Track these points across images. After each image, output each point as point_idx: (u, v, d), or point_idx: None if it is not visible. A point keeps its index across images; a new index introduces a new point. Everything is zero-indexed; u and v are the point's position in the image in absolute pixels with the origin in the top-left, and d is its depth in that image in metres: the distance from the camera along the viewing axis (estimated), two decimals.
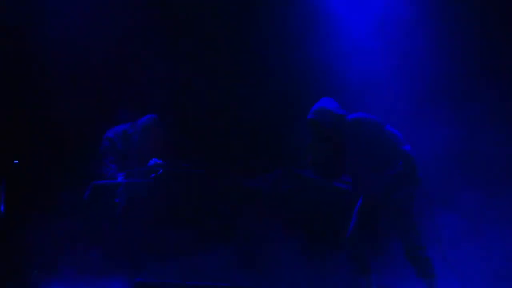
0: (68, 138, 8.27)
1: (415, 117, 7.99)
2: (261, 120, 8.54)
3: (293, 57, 8.48)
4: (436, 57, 8.14)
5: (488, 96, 8.02)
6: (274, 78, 8.54)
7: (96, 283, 7.12)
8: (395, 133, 6.25)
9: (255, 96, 8.55)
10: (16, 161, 7.94)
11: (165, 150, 7.53)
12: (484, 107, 8.01)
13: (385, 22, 8.33)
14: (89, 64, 8.36)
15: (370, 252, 6.35)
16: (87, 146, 7.93)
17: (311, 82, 8.40)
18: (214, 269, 7.38)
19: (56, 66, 8.30)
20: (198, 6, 8.59)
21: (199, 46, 8.66)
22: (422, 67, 8.23)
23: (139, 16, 8.46)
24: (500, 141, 7.99)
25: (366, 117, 6.34)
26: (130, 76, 8.41)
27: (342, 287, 7.16)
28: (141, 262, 7.16)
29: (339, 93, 8.11)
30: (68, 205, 7.39)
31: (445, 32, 8.16)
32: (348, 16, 8.49)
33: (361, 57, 8.29)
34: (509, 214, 7.66)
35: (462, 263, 6.51)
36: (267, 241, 7.52)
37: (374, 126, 6.27)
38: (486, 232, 7.55)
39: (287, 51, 8.52)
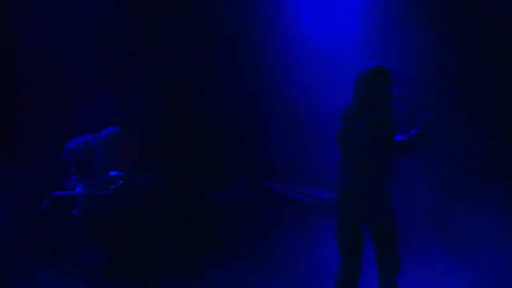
0: (32, 144, 8.08)
1: None
2: (224, 130, 8.41)
3: (257, 67, 8.33)
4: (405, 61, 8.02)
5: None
6: (238, 89, 8.39)
7: None
8: None
9: (218, 107, 8.40)
10: None
11: (127, 162, 7.38)
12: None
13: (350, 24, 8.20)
14: (54, 68, 8.15)
15: None
16: (50, 154, 7.76)
17: (273, 91, 8.27)
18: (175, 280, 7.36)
19: (23, 71, 8.11)
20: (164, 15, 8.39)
21: (161, 54, 8.47)
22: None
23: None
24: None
25: None
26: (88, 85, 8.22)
27: None
28: (98, 275, 7.07)
29: (303, 99, 8.08)
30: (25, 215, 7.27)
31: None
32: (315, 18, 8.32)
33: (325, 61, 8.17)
34: None
35: None
36: (229, 253, 7.49)
37: None
38: None
39: (250, 59, 8.35)
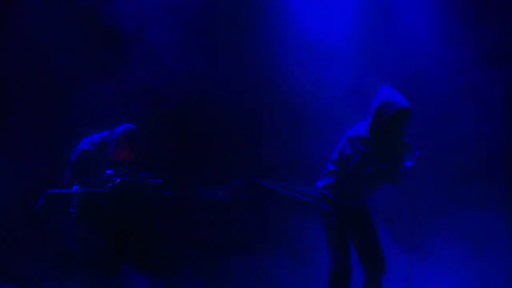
0: (29, 142, 8.10)
1: None
2: (219, 129, 8.41)
3: (254, 66, 8.33)
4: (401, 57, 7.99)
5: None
6: (232, 88, 8.39)
7: None
8: None
9: (215, 107, 8.41)
10: None
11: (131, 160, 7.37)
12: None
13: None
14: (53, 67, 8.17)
15: None
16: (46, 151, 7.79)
17: (268, 90, 8.26)
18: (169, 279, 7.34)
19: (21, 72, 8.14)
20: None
21: (160, 54, 8.48)
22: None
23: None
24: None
25: None
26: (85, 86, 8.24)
27: None
28: (93, 273, 7.05)
29: (299, 99, 8.06)
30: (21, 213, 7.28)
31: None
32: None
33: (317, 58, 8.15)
34: None
35: None
36: (224, 252, 7.48)
37: None
38: None
39: (247, 59, 8.35)
